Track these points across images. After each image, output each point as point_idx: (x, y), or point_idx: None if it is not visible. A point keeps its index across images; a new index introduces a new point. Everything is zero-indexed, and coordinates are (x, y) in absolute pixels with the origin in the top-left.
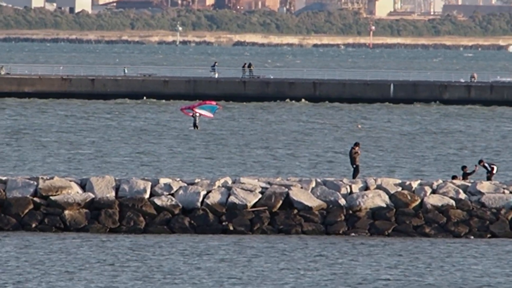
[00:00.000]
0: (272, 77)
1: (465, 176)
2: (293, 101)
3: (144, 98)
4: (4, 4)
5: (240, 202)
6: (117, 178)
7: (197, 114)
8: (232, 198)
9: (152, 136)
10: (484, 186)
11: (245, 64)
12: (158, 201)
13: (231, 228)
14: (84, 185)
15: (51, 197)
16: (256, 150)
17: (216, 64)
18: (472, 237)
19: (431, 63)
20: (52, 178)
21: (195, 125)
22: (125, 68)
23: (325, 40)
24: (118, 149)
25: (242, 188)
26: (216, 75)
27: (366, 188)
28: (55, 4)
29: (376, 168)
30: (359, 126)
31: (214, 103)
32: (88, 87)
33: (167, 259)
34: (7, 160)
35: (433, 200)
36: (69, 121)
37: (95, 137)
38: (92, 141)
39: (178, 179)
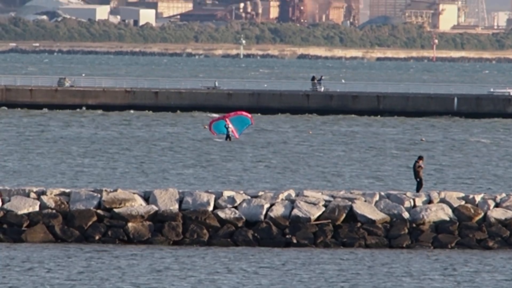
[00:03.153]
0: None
1: None
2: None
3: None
4: (68, 17)
5: (303, 215)
6: (180, 191)
7: (229, 126)
8: (295, 211)
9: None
10: None
11: (314, 77)
12: (221, 214)
13: (295, 241)
14: (147, 198)
15: (114, 210)
16: (311, 163)
17: (323, 78)
18: None
19: (495, 77)
20: (115, 190)
21: (228, 137)
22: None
23: (389, 53)
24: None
25: (306, 201)
26: (322, 89)
27: (429, 201)
28: (119, 17)
29: (439, 182)
30: (423, 139)
31: (249, 115)
32: (152, 99)
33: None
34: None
35: (496, 213)
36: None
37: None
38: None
39: (242, 191)
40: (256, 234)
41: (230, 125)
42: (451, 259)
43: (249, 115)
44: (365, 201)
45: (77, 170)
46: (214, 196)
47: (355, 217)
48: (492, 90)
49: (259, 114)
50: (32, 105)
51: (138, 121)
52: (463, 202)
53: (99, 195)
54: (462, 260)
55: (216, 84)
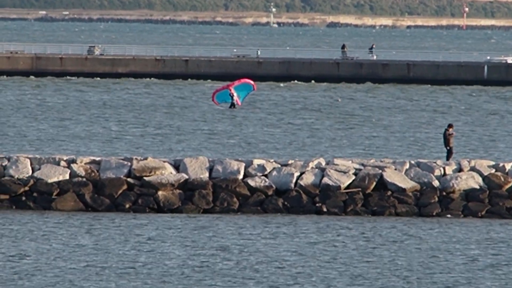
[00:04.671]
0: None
1: None
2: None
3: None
4: None
5: (333, 184)
6: (210, 159)
7: (234, 94)
8: (325, 180)
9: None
10: None
11: (344, 45)
12: (251, 182)
13: (324, 209)
14: (177, 166)
15: (144, 178)
16: (353, 130)
17: (374, 46)
18: None
19: None
20: (146, 158)
21: (232, 105)
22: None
23: (419, 21)
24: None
25: (336, 170)
26: (374, 57)
27: (459, 170)
28: None
29: (470, 150)
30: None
31: (252, 82)
32: (182, 68)
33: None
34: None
35: None
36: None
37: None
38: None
39: (272, 160)
40: (286, 203)
41: (235, 94)
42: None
43: (252, 82)
44: (395, 169)
45: (108, 137)
46: (244, 164)
47: (385, 186)
48: (488, 58)
49: (295, 81)
50: (62, 73)
51: (168, 89)
52: (493, 170)
53: (129, 164)
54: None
55: (259, 53)
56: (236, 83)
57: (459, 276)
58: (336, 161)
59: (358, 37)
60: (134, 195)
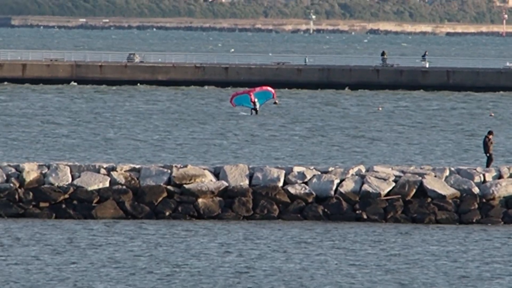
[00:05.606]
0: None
1: None
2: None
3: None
4: None
5: (373, 191)
6: (250, 166)
7: (255, 101)
8: (365, 187)
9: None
10: None
11: (384, 52)
12: (292, 190)
13: (365, 216)
14: (217, 174)
15: (184, 186)
16: (383, 139)
17: (426, 53)
18: None
19: None
20: (185, 166)
21: (255, 110)
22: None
23: (459, 28)
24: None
25: (376, 177)
26: (427, 65)
27: (499, 176)
28: None
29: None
30: (492, 114)
31: (273, 91)
32: (222, 75)
33: None
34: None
35: None
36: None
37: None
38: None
39: (312, 167)
40: (326, 210)
41: (255, 100)
42: None
43: (272, 90)
44: (435, 176)
45: (151, 145)
46: (284, 171)
47: (425, 193)
48: (508, 64)
49: (332, 89)
50: (102, 81)
51: (209, 96)
52: None
53: (169, 171)
54: None
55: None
56: (258, 89)
57: None
58: (376, 168)
59: (397, 44)
60: (174, 203)
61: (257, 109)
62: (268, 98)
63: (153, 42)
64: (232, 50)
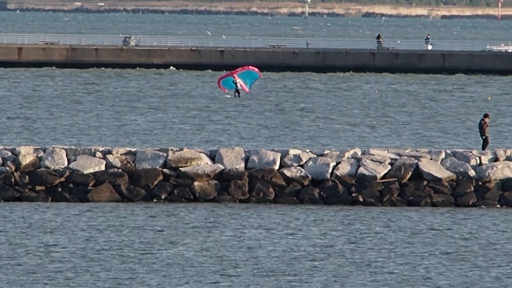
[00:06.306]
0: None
1: None
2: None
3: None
4: None
5: (369, 174)
6: (246, 149)
7: (238, 81)
8: (361, 170)
9: None
10: None
11: (379, 35)
12: (287, 173)
13: (361, 199)
14: (213, 157)
15: (180, 169)
16: (385, 119)
17: (429, 36)
18: None
19: None
20: (181, 149)
21: (237, 92)
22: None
23: (454, 11)
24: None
25: (372, 160)
26: (430, 47)
27: (495, 159)
28: None
29: (507, 139)
30: (489, 98)
31: (256, 69)
32: (217, 58)
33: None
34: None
35: None
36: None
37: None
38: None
39: (308, 150)
40: (322, 193)
41: (239, 80)
42: None
43: (256, 69)
44: (431, 159)
45: (145, 128)
46: (280, 154)
47: (421, 175)
48: (488, 46)
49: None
50: (98, 64)
51: (202, 79)
52: None
53: (165, 154)
54: None
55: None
56: (239, 70)
57: None
58: (372, 151)
59: (395, 27)
60: (170, 186)
61: (240, 90)
62: (254, 78)
63: (148, 25)
64: (209, 33)
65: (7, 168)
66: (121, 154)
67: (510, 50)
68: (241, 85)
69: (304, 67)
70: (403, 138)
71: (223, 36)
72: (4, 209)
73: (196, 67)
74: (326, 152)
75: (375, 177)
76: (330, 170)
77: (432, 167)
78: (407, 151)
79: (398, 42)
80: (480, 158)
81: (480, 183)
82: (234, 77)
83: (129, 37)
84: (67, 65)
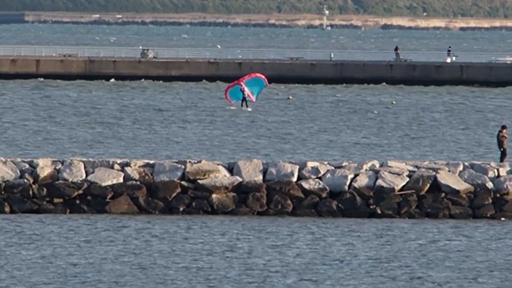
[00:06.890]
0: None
1: None
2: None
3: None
4: None
5: (387, 186)
6: (264, 162)
7: (245, 90)
8: (379, 182)
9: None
10: None
11: (397, 47)
12: (305, 185)
13: (379, 211)
14: (231, 169)
15: (198, 181)
16: (399, 133)
17: (450, 48)
18: None
19: None
20: (199, 162)
21: (244, 101)
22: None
23: (472, 23)
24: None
25: (390, 172)
26: (449, 60)
27: None
28: None
29: None
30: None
31: (263, 77)
32: (235, 70)
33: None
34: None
35: None
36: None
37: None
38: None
39: (326, 162)
40: (340, 205)
41: (246, 89)
42: None
43: (263, 76)
44: (449, 171)
45: (160, 140)
46: (298, 166)
47: (439, 187)
48: (494, 58)
49: (343, 84)
50: (116, 76)
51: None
52: None
53: (183, 167)
54: None
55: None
56: (247, 77)
57: None
58: (390, 163)
59: (413, 39)
60: (188, 198)
61: (246, 98)
62: (261, 86)
63: (166, 37)
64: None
65: (25, 181)
66: (139, 167)
67: None
68: (248, 94)
69: (322, 79)
70: (422, 150)
71: (218, 46)
72: (22, 221)
73: (214, 79)
74: (344, 164)
75: (393, 189)
76: (348, 182)
77: (450, 179)
78: (425, 163)
79: (417, 54)
80: (498, 170)
81: (498, 195)
82: (241, 85)
83: (147, 49)
84: (85, 77)
